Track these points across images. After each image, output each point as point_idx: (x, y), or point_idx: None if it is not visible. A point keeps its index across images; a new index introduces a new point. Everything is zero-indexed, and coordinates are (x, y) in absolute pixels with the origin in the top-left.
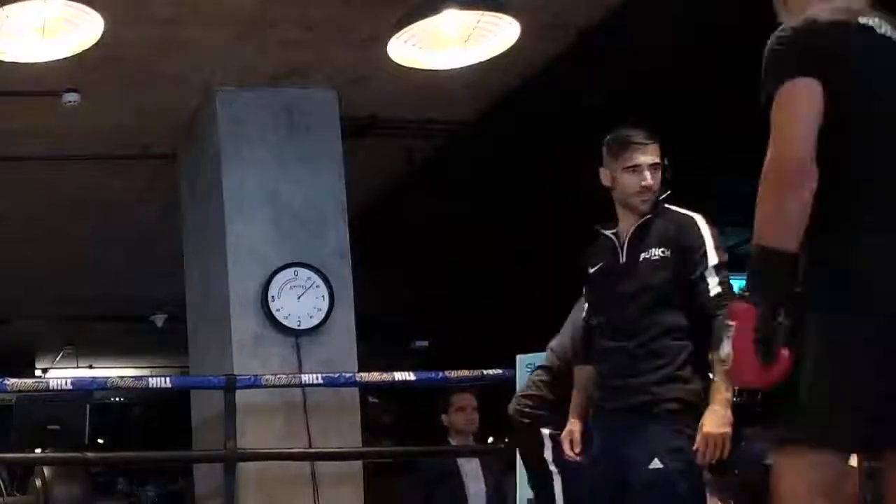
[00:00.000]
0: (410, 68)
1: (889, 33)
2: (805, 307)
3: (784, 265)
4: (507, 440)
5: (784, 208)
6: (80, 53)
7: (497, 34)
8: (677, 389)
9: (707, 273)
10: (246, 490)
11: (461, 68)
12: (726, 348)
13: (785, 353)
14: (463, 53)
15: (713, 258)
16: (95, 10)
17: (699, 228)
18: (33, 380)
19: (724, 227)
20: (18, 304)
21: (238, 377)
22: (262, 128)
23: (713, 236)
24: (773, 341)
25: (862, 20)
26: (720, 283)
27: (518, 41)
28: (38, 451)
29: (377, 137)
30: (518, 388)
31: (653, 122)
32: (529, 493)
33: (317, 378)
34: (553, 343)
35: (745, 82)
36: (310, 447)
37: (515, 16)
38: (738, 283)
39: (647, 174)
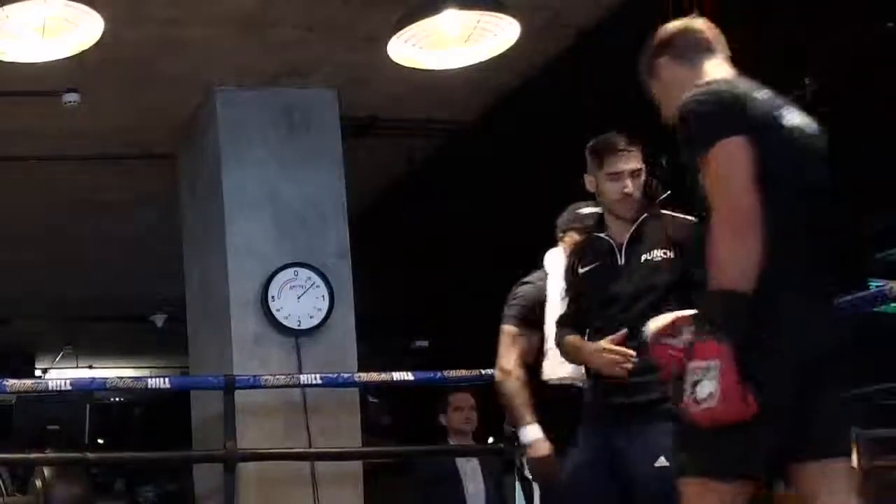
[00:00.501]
0: (410, 68)
1: (771, 107)
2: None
3: (745, 306)
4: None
5: (743, 253)
6: (80, 53)
7: (497, 34)
8: None
9: None
10: (246, 490)
11: (461, 68)
12: (709, 388)
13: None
14: (463, 53)
15: None
16: (95, 10)
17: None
18: (33, 380)
19: None
20: (18, 304)
21: (237, 377)
22: (262, 128)
23: None
24: (753, 378)
25: (753, 93)
26: None
27: (518, 41)
28: (37, 451)
29: (377, 137)
30: None
31: (653, 122)
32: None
33: (316, 378)
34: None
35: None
36: (309, 447)
37: (515, 16)
38: None
39: (628, 181)
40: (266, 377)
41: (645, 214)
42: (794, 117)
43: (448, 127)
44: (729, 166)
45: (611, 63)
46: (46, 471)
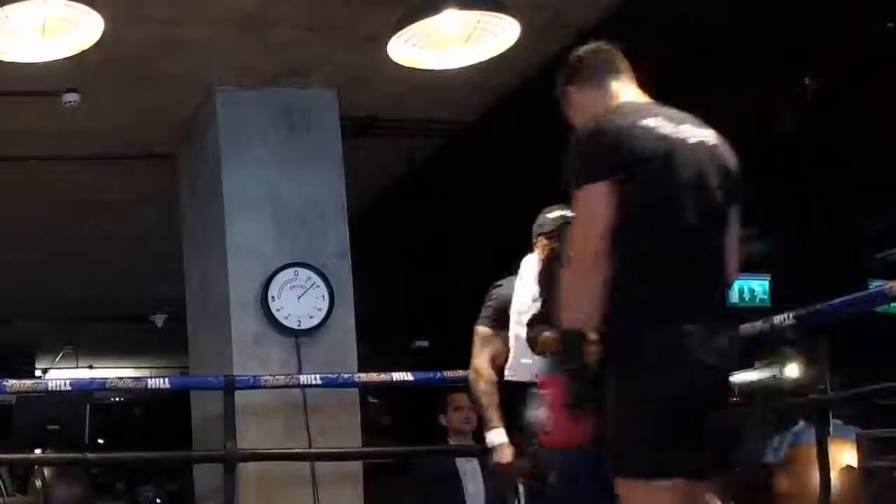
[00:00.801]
0: (410, 68)
1: (669, 132)
2: (613, 374)
3: (582, 342)
4: None
5: (583, 298)
6: (80, 53)
7: (497, 34)
8: None
9: None
10: (246, 490)
11: (461, 68)
12: (539, 414)
13: (592, 412)
14: (463, 53)
15: None
16: (95, 10)
17: None
18: (33, 380)
19: None
20: (18, 304)
21: (237, 378)
22: (262, 128)
23: None
24: (579, 405)
25: (643, 122)
26: None
27: (518, 41)
28: (38, 451)
29: (377, 137)
30: None
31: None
32: None
33: (316, 378)
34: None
35: (745, 83)
36: (309, 447)
37: (515, 16)
38: (740, 283)
39: None
40: (266, 377)
41: None
42: (691, 137)
43: (448, 127)
44: (585, 213)
45: None
46: (46, 471)
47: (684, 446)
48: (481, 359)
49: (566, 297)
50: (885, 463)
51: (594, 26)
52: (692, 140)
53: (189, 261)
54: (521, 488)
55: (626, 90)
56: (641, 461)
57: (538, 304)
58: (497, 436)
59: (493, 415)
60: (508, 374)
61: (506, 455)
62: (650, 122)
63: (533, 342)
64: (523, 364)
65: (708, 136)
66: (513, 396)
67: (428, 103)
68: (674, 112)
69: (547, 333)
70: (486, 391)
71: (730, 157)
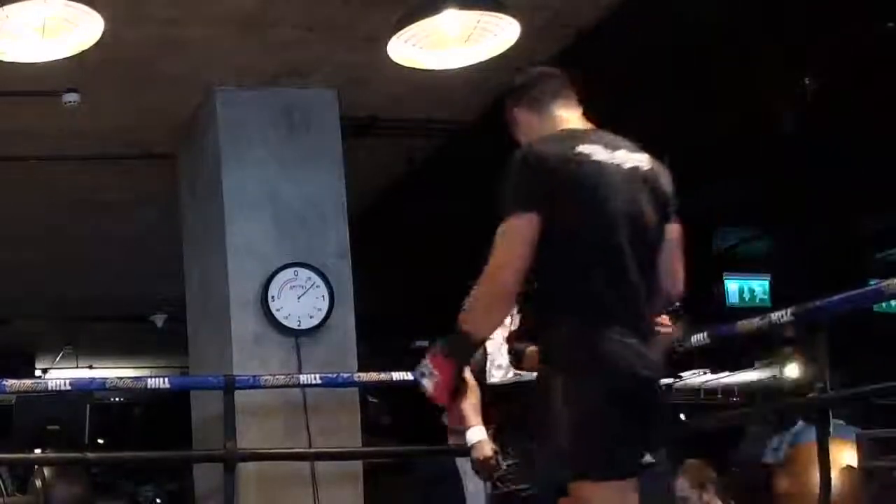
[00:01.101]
0: (410, 68)
1: (603, 158)
2: (555, 373)
3: (476, 345)
4: None
5: (491, 316)
6: (80, 53)
7: (497, 34)
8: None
9: None
10: (246, 490)
11: (461, 68)
12: (429, 385)
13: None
14: (463, 53)
15: None
16: (95, 10)
17: None
18: (33, 380)
19: (722, 227)
20: (18, 304)
21: (237, 377)
22: (262, 128)
23: None
24: (459, 388)
25: (578, 149)
26: None
27: (518, 41)
28: (38, 451)
29: (377, 137)
30: None
31: (653, 122)
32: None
33: (316, 378)
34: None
35: (745, 83)
36: (310, 447)
37: (515, 16)
38: (741, 283)
39: None
40: (266, 377)
41: None
42: (625, 163)
43: (448, 127)
44: (506, 241)
45: (611, 63)
46: (46, 471)
47: (623, 447)
48: None
49: (472, 311)
50: (885, 463)
51: (594, 26)
52: (626, 165)
53: (189, 261)
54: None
55: (569, 116)
56: (585, 461)
57: (516, 319)
58: (476, 433)
59: (471, 413)
60: (488, 377)
61: (485, 450)
62: (584, 148)
63: (518, 357)
64: (499, 367)
65: (642, 160)
66: (491, 397)
67: (428, 103)
68: (611, 138)
69: (532, 348)
70: (463, 392)
71: (664, 181)
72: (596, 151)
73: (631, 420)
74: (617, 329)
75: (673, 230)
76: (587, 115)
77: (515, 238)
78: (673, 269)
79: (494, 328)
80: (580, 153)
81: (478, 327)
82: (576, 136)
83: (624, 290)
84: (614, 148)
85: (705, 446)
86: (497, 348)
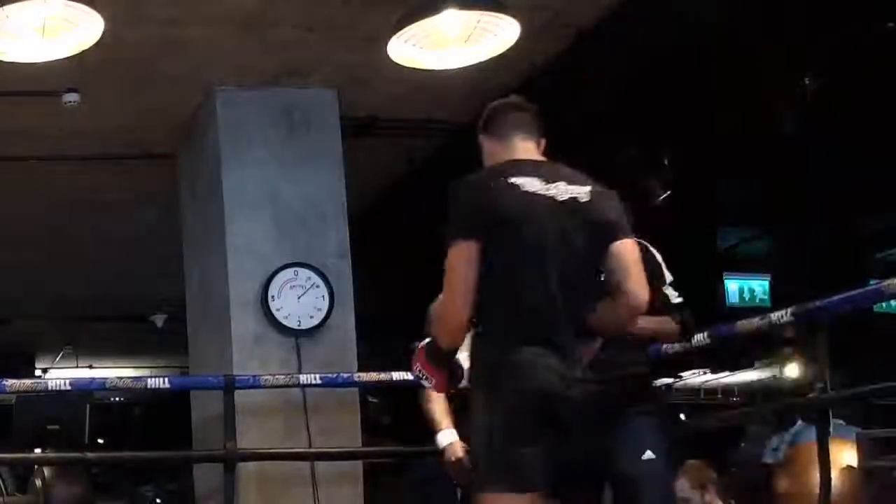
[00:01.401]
0: (410, 68)
1: (536, 189)
2: (476, 389)
3: (448, 353)
4: None
5: (450, 335)
6: (80, 53)
7: (497, 34)
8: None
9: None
10: (246, 490)
11: (461, 68)
12: (429, 385)
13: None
14: (463, 53)
15: (668, 276)
16: (95, 10)
17: (650, 250)
18: (33, 380)
19: (723, 227)
20: (18, 304)
21: (237, 377)
22: (262, 128)
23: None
24: (455, 374)
25: (511, 180)
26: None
27: (518, 41)
28: (38, 451)
29: (377, 137)
30: None
31: (653, 122)
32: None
33: (316, 378)
34: None
35: (745, 83)
36: (310, 447)
37: (515, 16)
38: (740, 283)
39: None
40: (266, 377)
41: None
42: (561, 195)
43: (448, 127)
44: (453, 269)
45: (611, 63)
46: (46, 471)
47: (525, 462)
48: None
49: (435, 327)
50: (885, 463)
51: (594, 26)
52: (561, 197)
53: (189, 261)
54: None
55: (525, 147)
56: (487, 474)
57: None
58: (447, 436)
59: (442, 418)
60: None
61: (456, 451)
62: (518, 179)
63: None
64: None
65: (580, 192)
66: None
67: (428, 103)
68: (553, 170)
69: None
70: (434, 396)
71: (605, 208)
72: (528, 183)
73: (537, 435)
74: (533, 349)
75: (624, 249)
76: (554, 145)
77: (460, 265)
78: (630, 283)
79: (456, 344)
80: (512, 184)
81: (442, 342)
82: (516, 167)
83: (543, 312)
84: (553, 180)
85: (705, 446)
86: (465, 357)
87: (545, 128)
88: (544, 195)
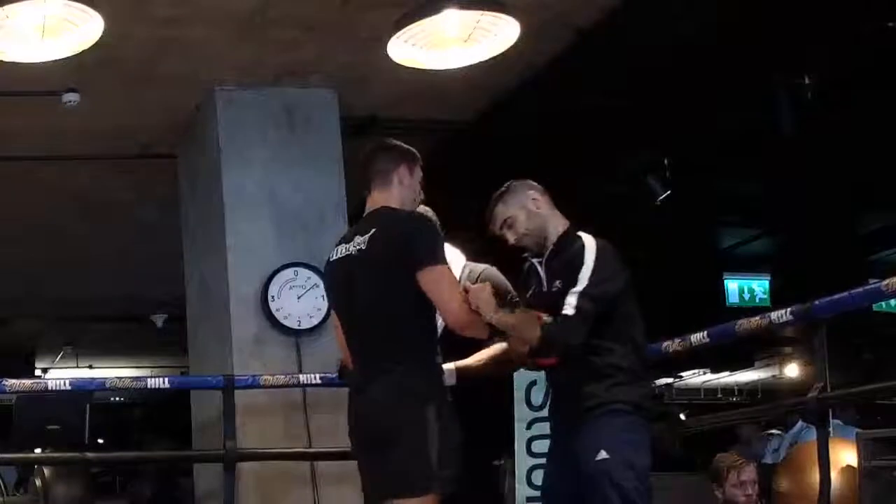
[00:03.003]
0: (410, 68)
1: (335, 255)
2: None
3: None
4: None
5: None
6: (80, 53)
7: (497, 34)
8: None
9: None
10: (246, 490)
11: (461, 68)
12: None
13: None
14: (463, 53)
15: (581, 283)
16: (95, 10)
17: (583, 255)
18: (33, 380)
19: (722, 227)
20: (18, 304)
21: (237, 377)
22: (262, 127)
23: (594, 265)
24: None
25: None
26: (575, 307)
27: (518, 41)
28: (38, 451)
29: (377, 137)
30: (516, 387)
31: (653, 121)
32: (528, 492)
33: (316, 378)
34: None
35: (745, 82)
36: (309, 447)
37: (515, 16)
38: (740, 283)
39: (507, 235)
40: (266, 377)
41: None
42: (348, 247)
43: (448, 127)
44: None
45: (611, 63)
46: (46, 470)
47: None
48: None
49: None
50: (885, 463)
51: (594, 26)
52: (345, 253)
53: (189, 261)
54: None
55: (373, 199)
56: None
57: None
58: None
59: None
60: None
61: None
62: (344, 235)
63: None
64: (447, 371)
65: (360, 241)
66: None
67: (428, 103)
68: (363, 223)
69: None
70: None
71: (380, 255)
72: (335, 251)
73: (356, 450)
74: (351, 381)
75: (424, 279)
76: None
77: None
78: (441, 309)
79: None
80: (328, 259)
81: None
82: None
83: (355, 351)
84: (353, 237)
85: (705, 446)
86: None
87: (370, 171)
88: (338, 259)
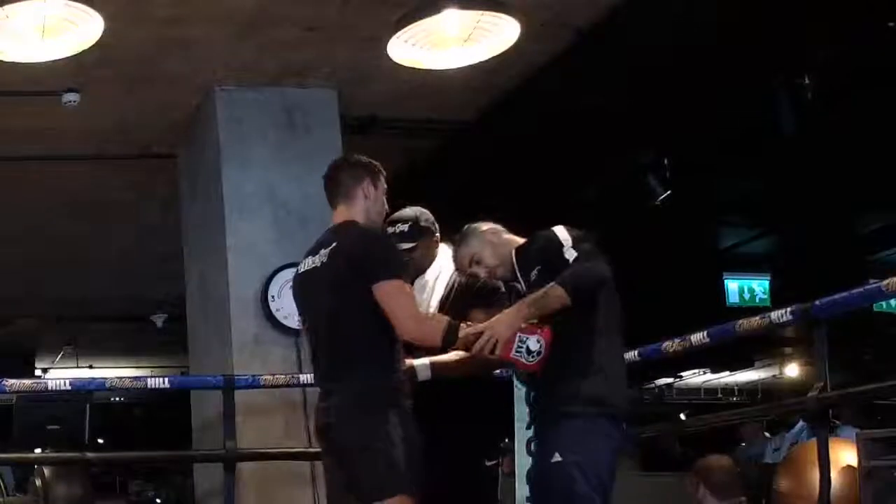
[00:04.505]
0: (410, 68)
1: (300, 269)
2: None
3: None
4: None
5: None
6: (80, 53)
7: (497, 34)
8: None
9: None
10: (246, 490)
11: (461, 68)
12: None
13: None
14: (463, 53)
15: (567, 242)
16: (95, 10)
17: (553, 234)
18: (33, 380)
19: (722, 227)
20: (18, 304)
21: (237, 377)
22: (262, 127)
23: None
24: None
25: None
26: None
27: (518, 41)
28: (38, 451)
29: (377, 137)
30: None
31: (653, 121)
32: (528, 492)
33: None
34: None
35: (745, 82)
36: (309, 447)
37: (515, 16)
38: (740, 283)
39: (478, 271)
40: (266, 377)
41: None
42: (309, 263)
43: (448, 127)
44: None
45: (611, 63)
46: (46, 470)
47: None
48: None
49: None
50: (885, 463)
51: (594, 26)
52: (307, 267)
53: (189, 261)
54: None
55: (338, 213)
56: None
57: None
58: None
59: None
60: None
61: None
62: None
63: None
64: (420, 366)
65: (323, 254)
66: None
67: (428, 103)
68: (326, 237)
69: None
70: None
71: (337, 268)
72: (301, 264)
73: (323, 455)
74: (320, 393)
75: (379, 294)
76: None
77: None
78: (394, 323)
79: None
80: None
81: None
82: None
83: (317, 361)
84: (315, 250)
85: (705, 446)
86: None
87: (336, 186)
88: (305, 271)
